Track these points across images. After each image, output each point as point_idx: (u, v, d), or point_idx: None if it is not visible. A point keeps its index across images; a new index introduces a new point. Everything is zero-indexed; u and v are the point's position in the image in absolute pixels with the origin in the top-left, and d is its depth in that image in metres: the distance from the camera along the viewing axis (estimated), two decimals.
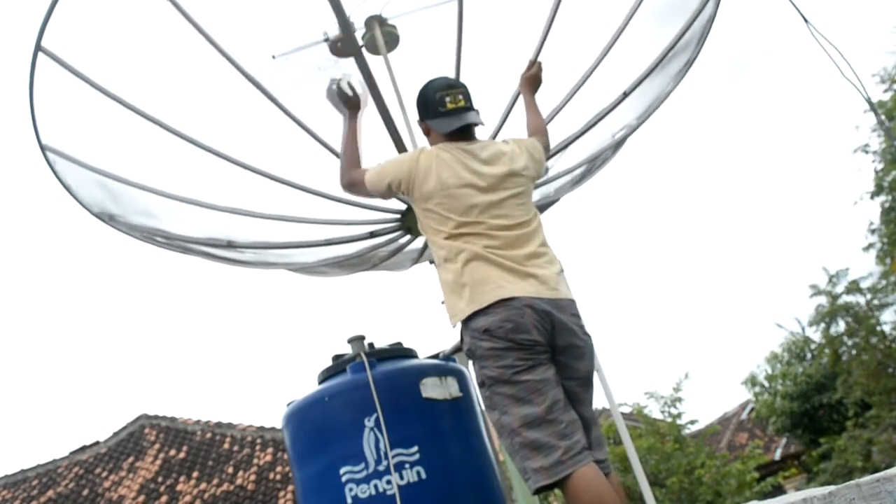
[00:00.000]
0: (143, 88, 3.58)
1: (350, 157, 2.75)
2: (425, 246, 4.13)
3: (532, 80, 3.02)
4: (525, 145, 2.68)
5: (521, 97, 3.16)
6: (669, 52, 3.64)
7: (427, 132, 2.69)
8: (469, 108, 2.60)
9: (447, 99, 2.56)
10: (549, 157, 3.58)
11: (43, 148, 3.62)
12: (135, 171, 3.86)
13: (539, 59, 3.14)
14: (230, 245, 3.95)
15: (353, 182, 2.71)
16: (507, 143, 2.65)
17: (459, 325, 2.41)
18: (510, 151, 2.59)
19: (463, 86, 2.66)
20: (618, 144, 4.00)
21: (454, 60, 3.76)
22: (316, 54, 3.73)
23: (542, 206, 4.06)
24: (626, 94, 3.77)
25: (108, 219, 3.93)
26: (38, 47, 3.19)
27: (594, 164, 4.12)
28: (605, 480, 2.17)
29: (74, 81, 3.39)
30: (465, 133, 2.58)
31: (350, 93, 2.84)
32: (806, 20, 3.16)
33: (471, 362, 2.43)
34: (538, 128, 2.92)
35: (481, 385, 2.35)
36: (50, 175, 3.80)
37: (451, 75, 3.67)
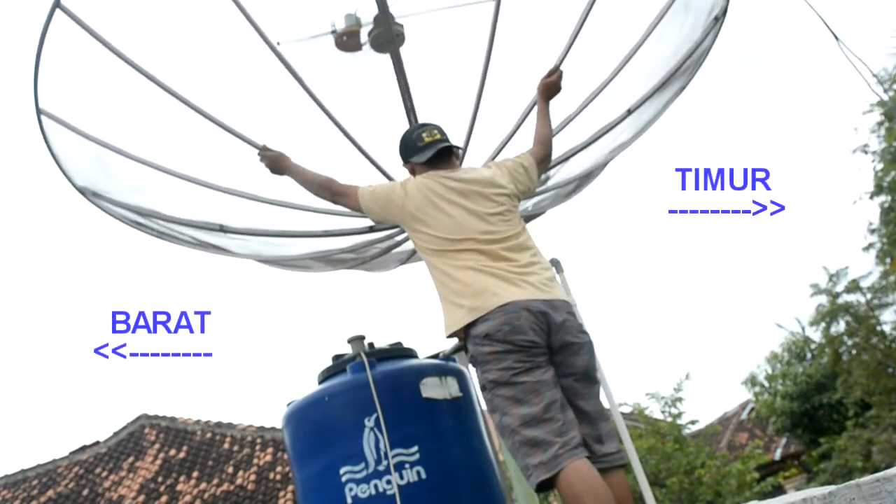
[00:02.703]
0: (156, 57, 3.52)
1: (318, 178, 2.91)
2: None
3: (551, 86, 3.11)
4: (507, 167, 2.85)
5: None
6: (672, 76, 3.64)
7: (413, 171, 2.87)
8: (445, 139, 2.81)
9: (424, 135, 2.81)
10: (550, 168, 3.60)
11: (39, 112, 3.55)
12: (134, 145, 3.79)
13: (561, 67, 3.20)
14: (222, 229, 3.84)
15: (340, 192, 2.83)
16: (489, 168, 2.84)
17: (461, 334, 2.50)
18: (492, 174, 2.76)
19: (437, 125, 2.88)
20: (607, 161, 4.01)
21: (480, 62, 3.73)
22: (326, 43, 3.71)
23: (529, 217, 4.05)
24: (630, 112, 3.76)
25: (92, 195, 3.84)
26: (57, 4, 3.15)
27: (587, 179, 4.13)
28: (598, 474, 2.23)
29: (82, 44, 3.33)
30: (446, 163, 2.78)
31: (273, 152, 2.99)
32: (836, 37, 3.23)
33: (473, 368, 2.51)
34: (544, 137, 3.03)
35: (483, 389, 2.44)
36: (39, 156, 3.72)
37: (479, 75, 3.71)
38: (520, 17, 3.73)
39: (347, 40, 3.82)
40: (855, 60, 3.23)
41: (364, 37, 4.03)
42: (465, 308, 2.43)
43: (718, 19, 3.46)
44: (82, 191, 3.84)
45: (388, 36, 3.42)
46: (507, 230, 2.59)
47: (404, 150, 2.88)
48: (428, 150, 2.76)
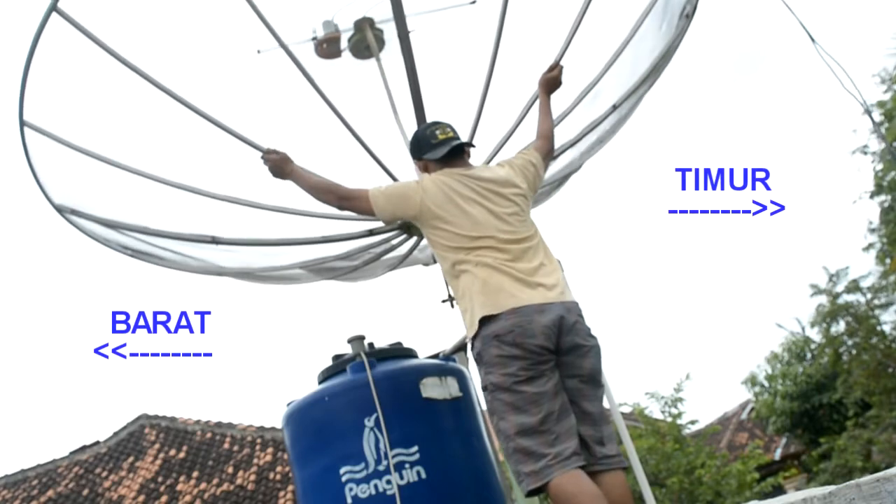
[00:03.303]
0: (151, 62, 3.45)
1: (323, 183, 2.87)
2: (408, 253, 4.12)
3: (552, 81, 3.16)
4: (517, 165, 2.87)
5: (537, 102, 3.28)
6: (649, 73, 3.66)
7: (426, 168, 2.86)
8: (457, 137, 2.81)
9: (437, 132, 2.81)
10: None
11: (23, 124, 3.47)
12: (124, 157, 3.72)
13: (561, 62, 3.24)
14: (214, 241, 3.76)
15: (347, 195, 2.80)
16: (503, 167, 2.85)
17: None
18: (506, 173, 2.77)
19: (448, 123, 2.87)
20: (584, 160, 4.02)
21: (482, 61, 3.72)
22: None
23: None
24: (615, 107, 3.78)
25: (70, 212, 3.76)
26: (53, 7, 3.08)
27: (567, 177, 4.14)
28: (592, 483, 2.25)
29: (64, 50, 3.24)
30: (459, 160, 2.78)
31: (277, 154, 2.92)
32: (812, 39, 3.24)
33: (475, 366, 2.53)
34: (546, 131, 3.08)
35: (484, 389, 2.45)
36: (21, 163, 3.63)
37: (480, 75, 3.73)
38: (518, 17, 3.74)
39: (327, 47, 3.84)
40: (831, 62, 3.24)
41: (344, 43, 4.03)
42: (478, 304, 2.44)
43: (689, 17, 3.51)
44: (60, 209, 3.77)
45: (401, 34, 3.40)
46: (524, 231, 2.61)
47: (417, 147, 2.87)
48: (442, 148, 2.76)
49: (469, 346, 2.57)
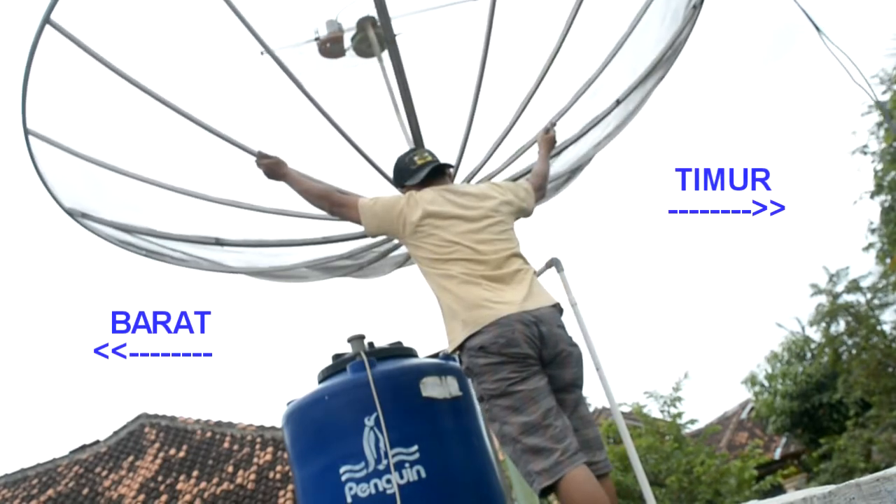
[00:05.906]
0: (146, 70, 3.48)
1: (316, 188, 2.94)
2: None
3: (549, 141, 3.39)
4: (506, 186, 2.95)
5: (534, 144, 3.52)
6: (655, 66, 3.66)
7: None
8: (436, 160, 2.90)
9: (416, 158, 2.90)
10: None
11: (27, 132, 3.51)
12: (126, 162, 3.75)
13: (554, 127, 3.47)
14: (218, 242, 3.82)
15: (339, 203, 2.85)
16: (487, 185, 2.92)
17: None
18: (488, 188, 2.85)
19: (427, 149, 2.98)
20: (594, 154, 4.02)
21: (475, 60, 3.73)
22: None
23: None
24: (618, 102, 3.78)
25: (81, 216, 3.81)
26: (47, 20, 3.10)
27: (575, 172, 4.14)
28: (596, 481, 2.28)
29: (68, 60, 3.28)
30: (440, 180, 2.86)
31: (270, 158, 2.95)
32: (819, 29, 3.23)
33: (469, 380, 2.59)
34: (541, 172, 3.25)
35: (480, 400, 2.48)
36: (28, 169, 3.67)
37: (473, 74, 3.75)
38: (512, 16, 3.74)
39: (331, 47, 3.85)
40: (839, 54, 3.23)
41: (347, 42, 4.05)
42: (460, 321, 2.48)
43: (696, 7, 3.50)
44: (70, 212, 3.81)
45: (387, 36, 3.44)
46: (502, 242, 2.64)
47: (398, 175, 2.96)
48: (420, 172, 2.84)
49: (457, 361, 2.59)
